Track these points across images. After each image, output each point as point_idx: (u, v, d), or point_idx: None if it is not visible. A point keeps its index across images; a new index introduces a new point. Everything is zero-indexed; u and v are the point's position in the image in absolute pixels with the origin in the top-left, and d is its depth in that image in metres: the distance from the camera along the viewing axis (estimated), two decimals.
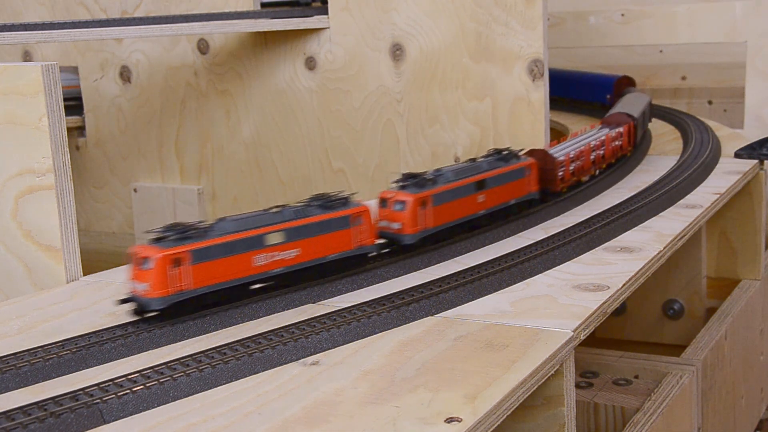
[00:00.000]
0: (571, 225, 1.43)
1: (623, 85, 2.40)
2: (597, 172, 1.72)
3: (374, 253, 1.22)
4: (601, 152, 1.72)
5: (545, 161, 1.52)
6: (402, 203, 1.24)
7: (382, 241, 1.25)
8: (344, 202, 1.19)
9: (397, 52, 2.16)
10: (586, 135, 1.75)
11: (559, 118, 2.66)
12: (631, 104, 2.04)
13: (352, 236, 1.18)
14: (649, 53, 3.49)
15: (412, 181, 1.27)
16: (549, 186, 1.53)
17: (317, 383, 0.91)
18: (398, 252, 1.28)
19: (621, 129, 1.81)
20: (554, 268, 1.27)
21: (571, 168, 1.58)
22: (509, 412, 0.88)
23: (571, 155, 1.58)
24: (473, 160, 1.43)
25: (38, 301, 1.24)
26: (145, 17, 2.08)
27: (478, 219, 1.38)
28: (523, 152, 1.51)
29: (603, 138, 1.73)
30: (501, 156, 1.44)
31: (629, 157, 1.89)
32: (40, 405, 0.83)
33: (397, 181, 1.28)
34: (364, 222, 1.19)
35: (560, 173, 1.54)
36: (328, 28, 2.24)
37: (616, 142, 1.79)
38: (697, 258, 1.84)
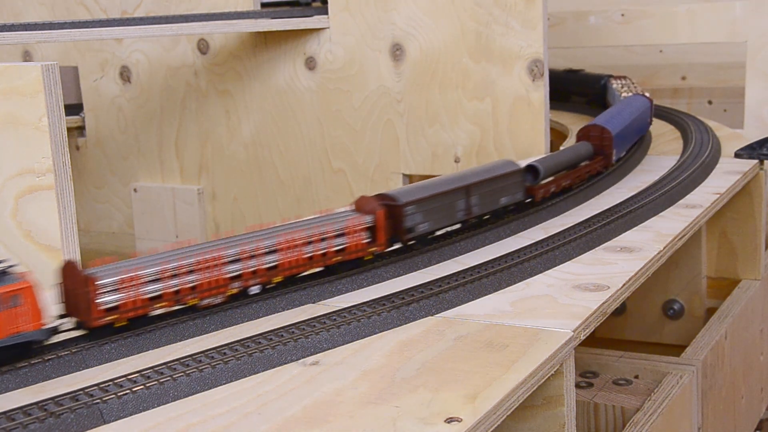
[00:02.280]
0: (571, 225, 1.43)
1: (583, 136, 1.75)
2: (256, 289, 1.12)
3: None
4: (270, 260, 1.12)
5: (74, 281, 0.99)
6: None
7: None
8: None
9: (397, 52, 2.16)
10: (255, 233, 1.14)
11: (559, 118, 2.65)
12: (446, 180, 1.38)
13: None
14: (649, 53, 3.49)
15: None
16: (82, 318, 0.99)
17: (317, 383, 0.91)
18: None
19: (348, 222, 1.19)
20: (554, 268, 1.27)
21: (150, 291, 1.02)
22: (509, 412, 0.88)
23: (148, 272, 1.02)
24: None
25: None
26: (145, 17, 2.08)
27: None
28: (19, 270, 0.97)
29: (273, 243, 1.12)
30: None
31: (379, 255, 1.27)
32: (40, 405, 0.83)
33: None
34: None
35: (109, 299, 0.98)
36: (328, 28, 2.24)
37: (332, 242, 1.17)
38: (697, 258, 1.84)
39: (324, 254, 1.17)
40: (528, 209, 1.49)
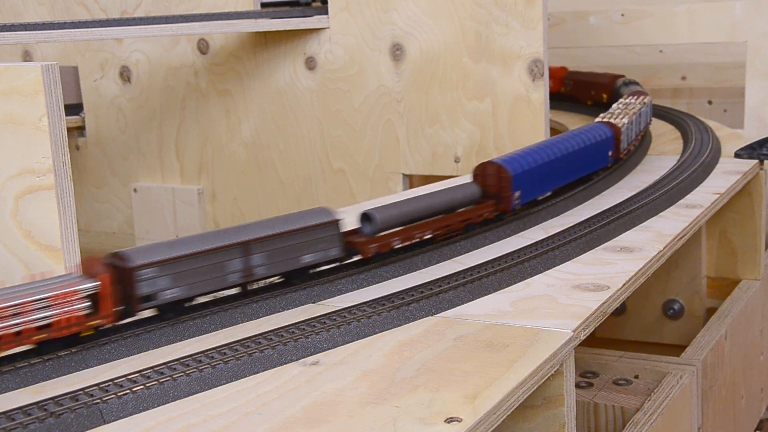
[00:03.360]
0: (571, 225, 1.43)
1: (478, 175, 1.47)
2: None
3: None
4: None
5: None
6: None
7: None
8: None
9: (397, 52, 2.16)
10: None
11: (559, 118, 2.66)
12: (219, 234, 1.11)
13: None
14: (649, 53, 3.49)
15: None
16: None
17: (317, 383, 0.91)
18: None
19: (58, 290, 0.93)
20: (554, 268, 1.27)
21: None
22: (509, 412, 0.88)
23: None
24: None
25: None
26: (145, 17, 2.08)
27: None
28: None
29: None
30: None
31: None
32: (40, 405, 0.83)
33: None
34: None
35: None
36: (328, 28, 2.24)
37: (31, 316, 0.91)
38: (697, 258, 1.84)
39: (18, 333, 0.90)
40: (360, 266, 1.23)
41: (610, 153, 1.77)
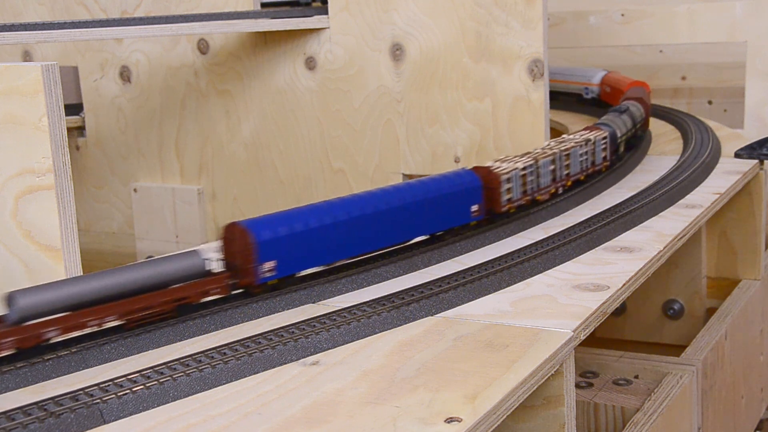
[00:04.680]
0: (571, 225, 1.43)
1: (225, 239, 1.19)
2: None
3: None
4: None
5: None
6: None
7: None
8: None
9: (397, 52, 2.16)
10: None
11: (559, 118, 2.66)
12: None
13: None
14: (649, 53, 3.49)
15: None
16: None
17: (317, 383, 0.91)
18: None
19: None
20: (554, 268, 1.27)
21: None
22: (509, 412, 0.88)
23: None
24: None
25: None
26: (145, 17, 2.08)
27: None
28: None
29: None
30: None
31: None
32: (40, 405, 0.83)
33: None
34: None
35: None
36: (328, 28, 2.24)
37: None
38: (697, 258, 1.84)
39: None
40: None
41: (475, 208, 1.40)
